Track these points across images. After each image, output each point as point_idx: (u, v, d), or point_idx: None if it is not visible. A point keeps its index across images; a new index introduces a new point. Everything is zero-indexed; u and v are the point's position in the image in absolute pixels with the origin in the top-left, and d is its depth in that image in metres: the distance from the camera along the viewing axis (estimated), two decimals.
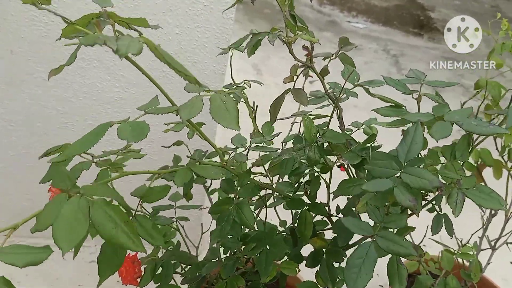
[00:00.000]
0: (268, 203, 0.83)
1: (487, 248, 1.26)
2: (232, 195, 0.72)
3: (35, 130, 1.31)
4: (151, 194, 0.66)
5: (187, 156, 0.72)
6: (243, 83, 1.01)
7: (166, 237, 0.93)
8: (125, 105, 1.30)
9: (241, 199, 0.70)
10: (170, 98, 0.58)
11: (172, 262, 0.88)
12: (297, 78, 0.75)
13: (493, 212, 1.24)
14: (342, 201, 0.83)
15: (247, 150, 0.73)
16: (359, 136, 0.86)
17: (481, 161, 1.19)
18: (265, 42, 0.80)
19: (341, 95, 0.70)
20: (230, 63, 1.00)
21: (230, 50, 0.77)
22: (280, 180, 0.95)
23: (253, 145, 0.72)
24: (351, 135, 0.79)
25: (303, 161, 0.73)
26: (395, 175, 0.56)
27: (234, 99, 0.64)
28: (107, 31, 0.52)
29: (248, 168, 0.72)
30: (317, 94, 0.83)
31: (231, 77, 1.00)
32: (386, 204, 0.59)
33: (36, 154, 1.38)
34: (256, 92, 1.04)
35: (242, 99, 0.70)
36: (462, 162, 0.65)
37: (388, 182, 0.56)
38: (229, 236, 0.82)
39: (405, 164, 0.56)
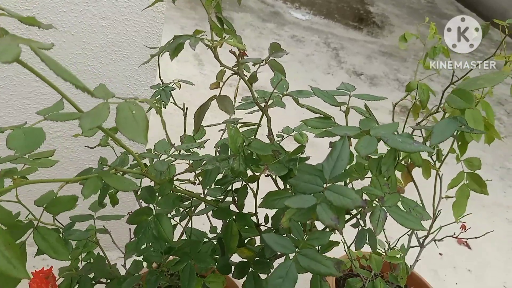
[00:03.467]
0: (197, 211, 0.79)
1: (416, 246, 1.30)
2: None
3: None
4: (56, 204, 0.60)
5: (101, 163, 0.66)
6: (172, 83, 0.96)
7: (87, 249, 0.87)
8: (46, 100, 1.20)
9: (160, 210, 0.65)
10: (74, 103, 0.52)
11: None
12: (223, 85, 0.71)
13: None
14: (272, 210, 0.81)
15: (169, 157, 0.68)
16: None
17: (410, 161, 1.22)
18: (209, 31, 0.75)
19: (268, 103, 0.67)
20: (158, 63, 0.95)
21: (152, 58, 0.72)
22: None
23: (176, 152, 0.68)
24: (280, 142, 0.77)
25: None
26: (319, 192, 0.54)
27: (158, 106, 0.59)
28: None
29: (172, 176, 0.67)
30: (248, 99, 0.80)
31: (159, 77, 0.95)
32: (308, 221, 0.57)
33: None
34: (197, 84, 0.99)
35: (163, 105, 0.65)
36: (388, 177, 0.64)
37: (311, 199, 0.54)
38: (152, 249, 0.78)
39: (330, 180, 0.54)
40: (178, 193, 0.67)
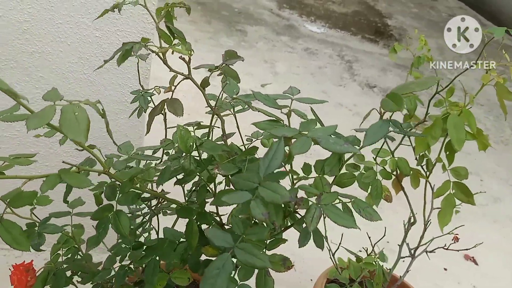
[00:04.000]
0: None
1: (407, 256, 1.29)
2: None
3: None
4: (19, 199, 0.65)
5: (63, 162, 0.71)
6: (153, 89, 1.01)
7: (66, 244, 0.92)
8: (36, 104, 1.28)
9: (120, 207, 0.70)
10: (24, 104, 0.58)
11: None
12: (175, 88, 0.75)
13: (412, 220, 1.28)
14: None
15: (130, 157, 0.73)
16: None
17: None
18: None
19: (217, 106, 0.71)
20: (138, 70, 1.00)
21: (105, 63, 0.77)
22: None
23: (137, 153, 0.72)
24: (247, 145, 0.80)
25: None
26: (254, 188, 0.57)
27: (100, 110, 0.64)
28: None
29: (131, 176, 0.71)
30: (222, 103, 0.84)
31: (139, 83, 1.00)
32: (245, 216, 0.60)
33: None
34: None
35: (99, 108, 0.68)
36: (334, 177, 0.66)
37: (247, 195, 0.57)
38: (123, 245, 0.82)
39: (264, 178, 0.57)
40: (138, 192, 0.71)
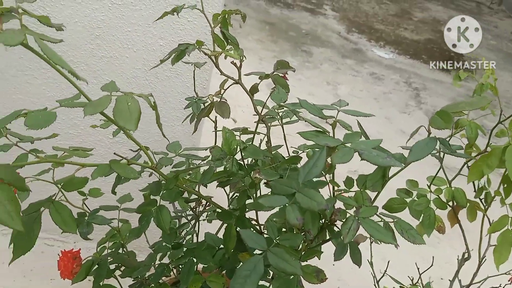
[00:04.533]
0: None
1: None
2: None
3: (19, 124, 1.37)
4: (71, 184, 0.69)
5: (114, 153, 0.74)
6: (207, 97, 1.04)
7: (113, 238, 0.95)
8: (110, 108, 1.35)
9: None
10: (85, 94, 0.62)
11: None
12: (224, 92, 0.77)
13: (466, 255, 1.21)
14: None
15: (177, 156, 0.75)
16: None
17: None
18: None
19: (263, 113, 0.71)
20: (194, 77, 1.04)
21: (161, 63, 0.80)
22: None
23: (183, 152, 0.74)
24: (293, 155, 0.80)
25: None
26: (292, 194, 0.57)
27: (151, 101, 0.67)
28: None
29: (176, 173, 0.73)
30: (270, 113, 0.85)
31: (194, 90, 1.03)
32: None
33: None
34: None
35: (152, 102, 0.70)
36: (377, 193, 0.64)
37: (283, 200, 0.56)
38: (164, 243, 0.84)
39: (302, 184, 0.57)
40: (182, 189, 0.72)
